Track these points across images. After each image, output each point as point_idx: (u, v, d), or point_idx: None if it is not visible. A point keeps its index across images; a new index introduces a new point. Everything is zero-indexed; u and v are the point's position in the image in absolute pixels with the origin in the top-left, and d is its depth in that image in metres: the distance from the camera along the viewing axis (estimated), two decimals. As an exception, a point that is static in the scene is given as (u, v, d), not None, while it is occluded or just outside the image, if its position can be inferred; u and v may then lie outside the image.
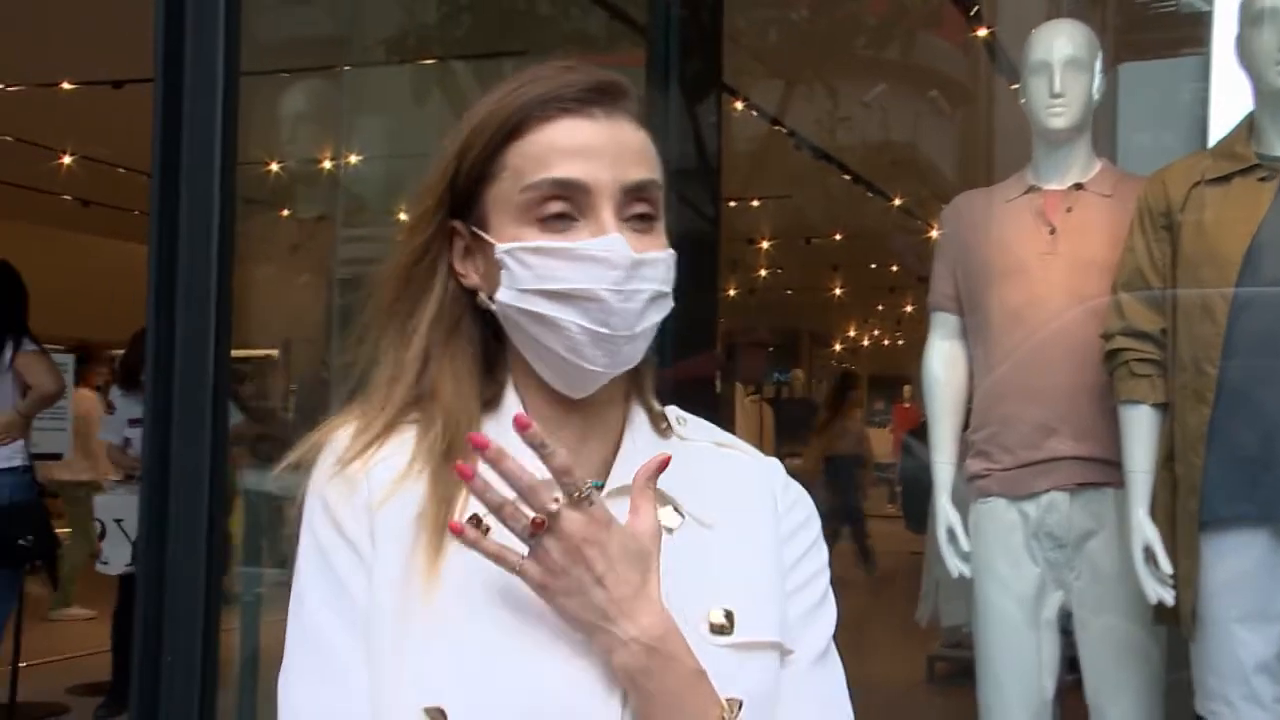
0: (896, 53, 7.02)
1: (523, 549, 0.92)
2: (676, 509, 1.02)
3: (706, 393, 3.43)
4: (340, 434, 1.02)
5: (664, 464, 0.96)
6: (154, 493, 1.81)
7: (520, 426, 0.90)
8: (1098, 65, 2.78)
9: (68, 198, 8.93)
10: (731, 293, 12.49)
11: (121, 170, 7.83)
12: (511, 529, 0.91)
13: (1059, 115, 2.71)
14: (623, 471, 1.01)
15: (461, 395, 1.01)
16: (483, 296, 1.01)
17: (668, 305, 1.00)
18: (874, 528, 12.28)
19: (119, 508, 4.88)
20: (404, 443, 1.01)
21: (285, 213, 6.22)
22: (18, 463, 4.29)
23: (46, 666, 5.63)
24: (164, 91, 1.81)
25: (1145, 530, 2.48)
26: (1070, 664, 2.80)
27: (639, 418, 1.06)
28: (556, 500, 0.90)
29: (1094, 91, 2.76)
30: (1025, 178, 2.82)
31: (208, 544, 1.78)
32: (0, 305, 4.37)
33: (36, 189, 8.63)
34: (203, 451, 1.79)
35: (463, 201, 1.01)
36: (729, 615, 0.99)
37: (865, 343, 19.49)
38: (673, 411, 1.10)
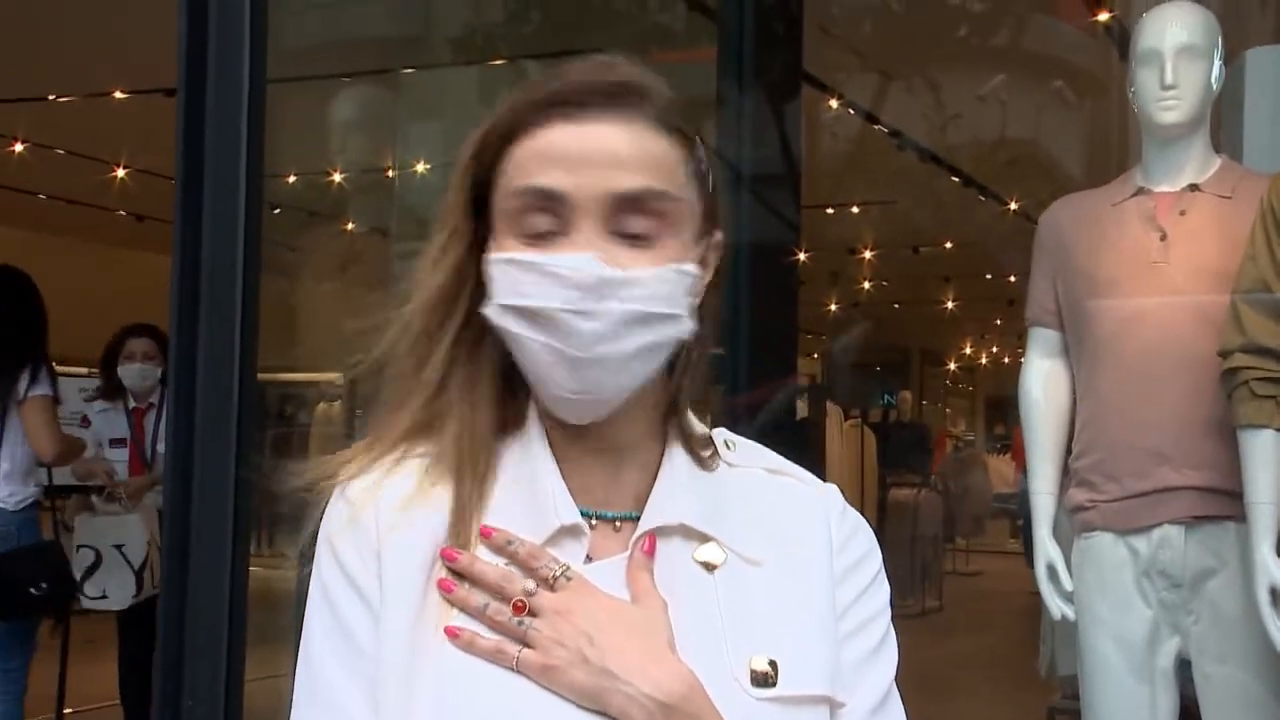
0: (1013, 40, 6.94)
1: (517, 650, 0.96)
2: (720, 545, 1.02)
3: (786, 418, 3.41)
4: (348, 470, 1.04)
5: (652, 548, 0.99)
6: (176, 525, 1.85)
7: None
8: (1218, 52, 2.72)
9: (122, 213, 9.18)
10: (832, 307, 12.46)
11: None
12: (500, 627, 0.96)
13: (1170, 109, 2.66)
14: (657, 508, 1.01)
15: (476, 419, 1.02)
16: None
17: (667, 330, 0.98)
18: (994, 564, 12.13)
19: (117, 531, 4.52)
20: (422, 472, 1.02)
21: (350, 225, 6.34)
22: (29, 500, 4.21)
23: (96, 713, 5.74)
24: (186, 100, 1.87)
25: (1271, 569, 2.42)
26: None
27: (676, 447, 1.04)
28: (531, 584, 0.97)
29: (1213, 82, 2.71)
30: (1134, 178, 2.77)
31: (231, 579, 1.82)
32: (15, 326, 4.23)
33: (89, 204, 8.88)
34: (227, 481, 1.84)
35: (482, 207, 1.02)
36: (773, 665, 0.98)
37: (983, 360, 19.24)
38: (720, 434, 1.09)
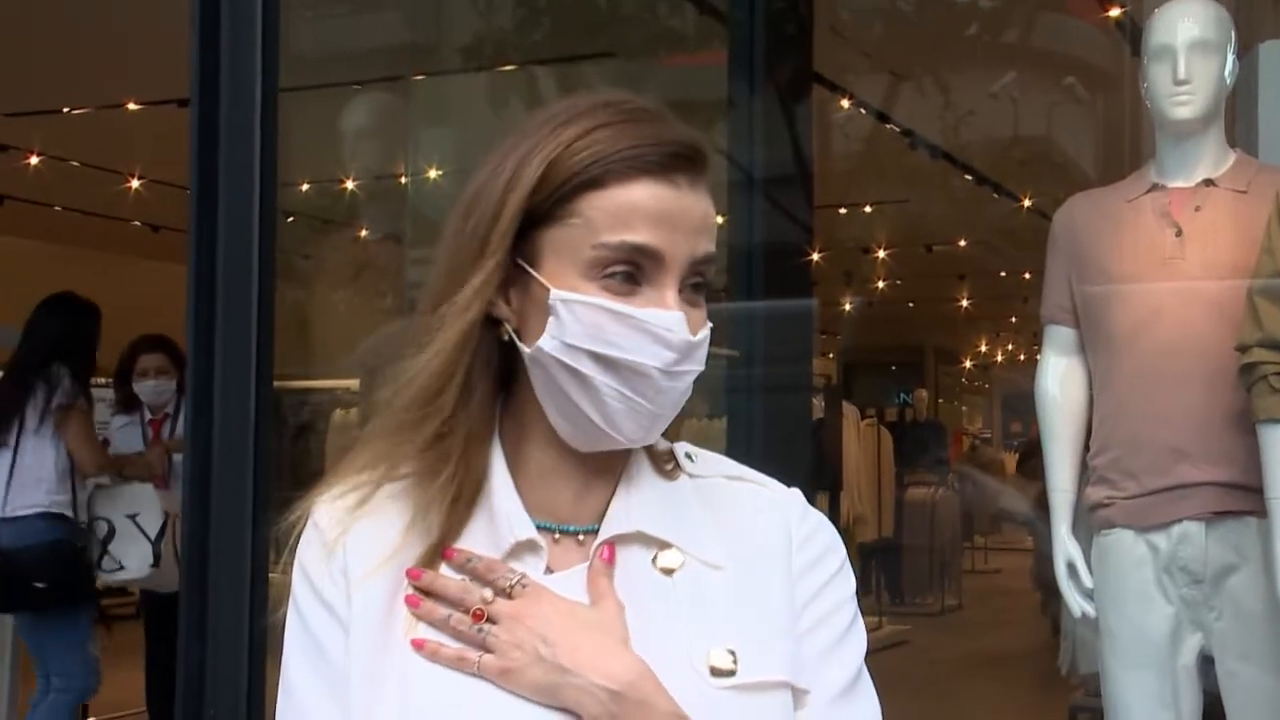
0: (1024, 37, 6.92)
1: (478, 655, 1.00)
2: (678, 550, 1.06)
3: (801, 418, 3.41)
4: (324, 497, 1.08)
5: (612, 557, 1.03)
6: (196, 534, 1.86)
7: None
8: (1230, 46, 2.72)
9: (137, 223, 9.22)
10: (846, 306, 12.45)
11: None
12: (462, 636, 1.01)
13: (1184, 104, 2.66)
14: (615, 518, 1.05)
15: (473, 461, 1.04)
16: (509, 329, 1.03)
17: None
18: (1013, 562, 12.10)
19: (130, 500, 4.56)
20: (395, 497, 1.05)
21: (363, 232, 6.35)
22: (39, 510, 4.30)
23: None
24: (199, 110, 1.88)
25: (1293, 564, 2.41)
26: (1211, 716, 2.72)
27: (639, 460, 1.09)
28: (489, 593, 1.01)
29: (1226, 76, 2.70)
30: (1148, 174, 2.77)
31: (251, 589, 1.83)
32: (61, 339, 4.42)
33: (104, 215, 8.92)
34: (245, 489, 1.84)
35: (514, 235, 1.02)
36: (732, 655, 1.01)
37: (998, 358, 19.19)
38: (681, 447, 1.13)
